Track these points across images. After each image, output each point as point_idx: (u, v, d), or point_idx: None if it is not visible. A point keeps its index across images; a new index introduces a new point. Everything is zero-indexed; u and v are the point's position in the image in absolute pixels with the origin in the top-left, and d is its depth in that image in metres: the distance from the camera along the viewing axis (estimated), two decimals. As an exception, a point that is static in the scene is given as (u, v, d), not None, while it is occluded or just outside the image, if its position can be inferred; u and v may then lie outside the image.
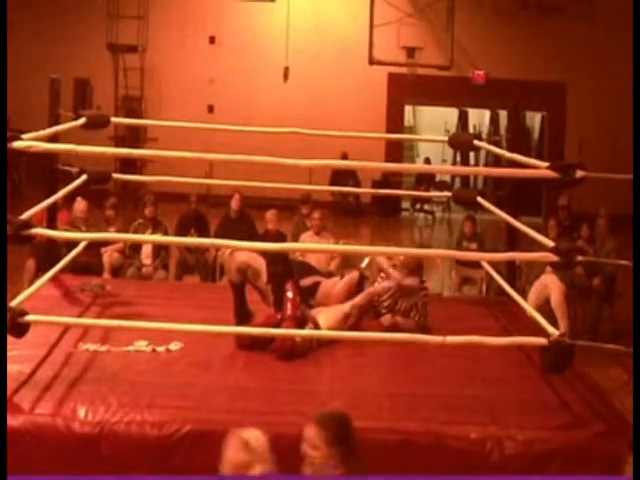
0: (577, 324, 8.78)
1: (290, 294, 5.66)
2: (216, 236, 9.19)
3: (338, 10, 19.07)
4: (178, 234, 9.63)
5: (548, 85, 18.73)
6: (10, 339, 4.69)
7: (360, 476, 3.22)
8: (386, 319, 6.20)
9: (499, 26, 18.78)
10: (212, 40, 19.14)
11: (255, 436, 3.16)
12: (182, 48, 18.96)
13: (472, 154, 21.78)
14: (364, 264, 6.56)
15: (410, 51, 18.42)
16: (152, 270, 9.45)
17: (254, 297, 6.01)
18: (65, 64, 16.12)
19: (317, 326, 5.68)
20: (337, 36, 18.80)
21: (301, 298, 5.80)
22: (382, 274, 6.44)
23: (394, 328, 6.02)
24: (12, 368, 4.77)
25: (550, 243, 5.17)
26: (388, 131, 18.27)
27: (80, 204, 9.00)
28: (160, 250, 9.53)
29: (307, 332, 5.53)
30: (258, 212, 10.19)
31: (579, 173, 5.06)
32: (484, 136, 19.90)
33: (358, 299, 6.07)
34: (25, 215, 5.10)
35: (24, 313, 4.75)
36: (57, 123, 6.74)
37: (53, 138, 6.24)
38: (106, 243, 9.04)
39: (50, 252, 7.33)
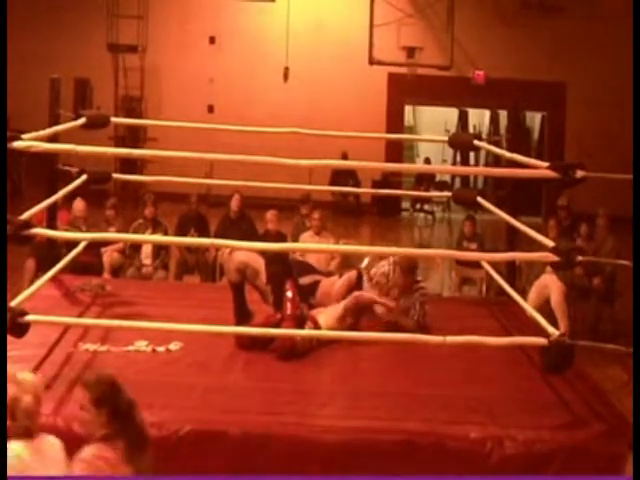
0: (577, 324, 8.77)
1: (290, 294, 5.66)
2: (216, 236, 9.18)
3: (338, 10, 19.05)
4: (178, 234, 9.62)
5: (548, 85, 18.71)
6: (10, 339, 4.68)
7: (132, 438, 3.40)
8: (383, 313, 6.15)
9: (499, 26, 18.78)
10: (212, 40, 19.12)
11: (25, 374, 3.54)
12: (182, 48, 18.94)
13: (472, 154, 21.78)
14: (364, 264, 6.53)
15: (410, 51, 18.38)
16: (152, 270, 9.45)
17: (254, 297, 6.01)
18: (65, 64, 16.07)
19: (317, 325, 5.68)
20: (337, 36, 18.78)
21: (301, 297, 5.80)
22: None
23: (394, 327, 6.00)
24: (12, 368, 4.76)
25: (550, 243, 5.17)
26: (388, 131, 18.25)
27: (79, 203, 9.00)
28: (160, 250, 9.53)
29: (307, 332, 5.53)
30: (258, 212, 10.18)
31: (579, 173, 5.06)
32: (484, 136, 19.89)
33: (347, 301, 5.96)
34: (25, 215, 5.10)
35: (24, 313, 4.75)
36: (57, 123, 6.73)
37: (53, 138, 6.24)
38: (106, 243, 9.04)
39: (50, 252, 7.33)
